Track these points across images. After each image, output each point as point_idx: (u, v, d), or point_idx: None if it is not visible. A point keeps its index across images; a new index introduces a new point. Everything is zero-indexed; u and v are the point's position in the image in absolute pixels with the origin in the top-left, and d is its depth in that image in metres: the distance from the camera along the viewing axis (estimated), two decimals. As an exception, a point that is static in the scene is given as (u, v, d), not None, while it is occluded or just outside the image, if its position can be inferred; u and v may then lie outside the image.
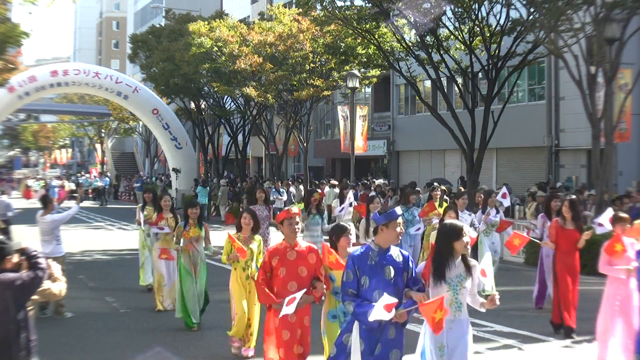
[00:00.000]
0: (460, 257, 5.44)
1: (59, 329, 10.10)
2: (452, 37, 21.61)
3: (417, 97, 24.92)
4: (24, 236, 10.72)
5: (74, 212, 11.55)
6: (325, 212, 12.68)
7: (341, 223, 6.98)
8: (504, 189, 13.51)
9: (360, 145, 29.63)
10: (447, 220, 5.96)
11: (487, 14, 20.23)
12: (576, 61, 16.15)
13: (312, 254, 6.51)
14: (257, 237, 8.58)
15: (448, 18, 21.48)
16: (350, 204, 13.00)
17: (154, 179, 48.40)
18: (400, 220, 5.52)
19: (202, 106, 39.64)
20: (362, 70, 26.56)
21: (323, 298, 6.58)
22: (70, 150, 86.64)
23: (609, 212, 8.83)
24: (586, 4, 16.04)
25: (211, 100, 38.04)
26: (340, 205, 13.45)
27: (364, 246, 5.63)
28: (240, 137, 38.64)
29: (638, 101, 21.74)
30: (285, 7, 30.05)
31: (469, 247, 5.48)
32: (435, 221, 11.55)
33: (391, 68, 24.38)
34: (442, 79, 22.08)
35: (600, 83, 16.51)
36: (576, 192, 18.05)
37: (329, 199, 22.10)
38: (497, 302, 5.37)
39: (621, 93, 19.10)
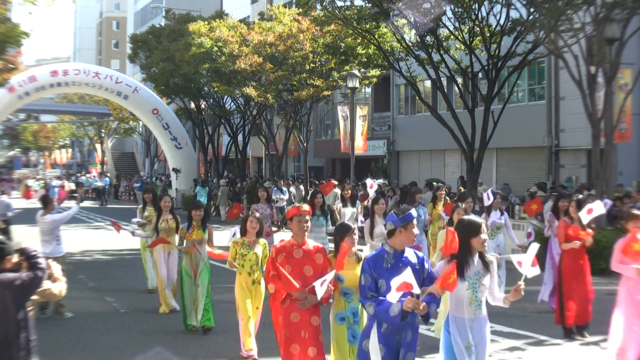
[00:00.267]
0: (477, 254, 5.42)
1: (59, 329, 10.09)
2: (452, 37, 21.62)
3: (417, 97, 24.92)
4: (24, 236, 10.72)
5: (74, 212, 11.53)
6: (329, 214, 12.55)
7: (345, 222, 6.85)
8: (488, 192, 12.77)
9: (360, 145, 29.63)
10: (466, 217, 5.86)
11: (487, 14, 20.23)
12: (576, 61, 16.15)
13: (320, 254, 6.36)
14: (262, 241, 8.43)
15: (448, 18, 21.48)
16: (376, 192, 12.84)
17: (154, 179, 48.41)
18: (416, 221, 5.46)
19: (202, 106, 39.64)
20: (362, 70, 26.55)
21: (331, 300, 6.41)
22: (70, 150, 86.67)
23: (592, 207, 8.85)
24: (586, 4, 16.04)
25: (211, 100, 38.04)
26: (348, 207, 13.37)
27: (377, 249, 5.54)
28: (240, 137, 38.64)
29: (638, 101, 21.74)
30: (285, 7, 30.05)
31: (486, 244, 5.46)
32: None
33: (391, 68, 24.38)
34: (442, 79, 22.08)
35: (600, 83, 16.51)
36: (575, 192, 18.06)
37: (328, 199, 22.07)
38: (522, 293, 5.31)
39: (621, 93, 19.09)
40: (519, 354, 8.72)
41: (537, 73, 26.50)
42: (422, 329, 9.83)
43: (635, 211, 8.23)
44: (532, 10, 18.23)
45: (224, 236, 9.88)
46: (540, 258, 5.40)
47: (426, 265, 5.44)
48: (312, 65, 27.78)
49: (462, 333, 5.35)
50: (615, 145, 18.06)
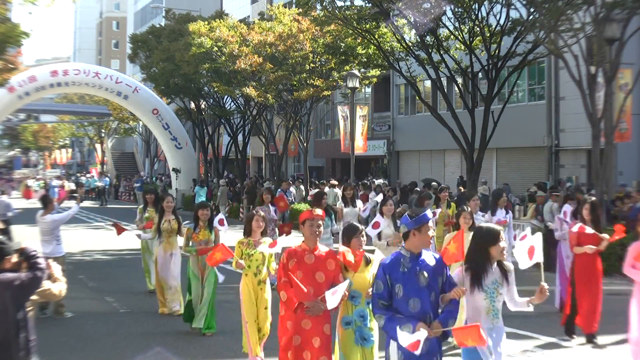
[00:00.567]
0: (495, 262, 5.27)
1: (59, 329, 10.09)
2: (452, 37, 21.61)
3: (417, 97, 24.92)
4: (24, 236, 10.71)
5: (74, 212, 11.54)
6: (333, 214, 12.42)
7: (353, 223, 6.67)
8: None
9: (360, 145, 29.63)
10: (484, 224, 5.68)
11: (487, 14, 20.23)
12: (576, 61, 16.15)
13: (331, 260, 6.16)
14: (268, 240, 8.12)
15: (448, 18, 21.48)
16: (377, 204, 12.65)
17: (154, 179, 48.41)
18: (431, 223, 5.27)
19: (202, 106, 39.64)
20: (362, 70, 26.55)
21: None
22: (70, 150, 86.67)
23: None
24: (586, 4, 16.04)
25: (211, 100, 38.04)
26: (360, 206, 13.21)
27: (394, 253, 5.38)
28: (240, 137, 38.64)
29: (638, 101, 21.75)
30: (285, 7, 30.04)
31: (505, 252, 5.30)
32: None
33: (391, 68, 24.38)
34: (442, 79, 22.08)
35: (600, 83, 16.51)
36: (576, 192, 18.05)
37: (329, 199, 22.07)
38: (547, 294, 5.23)
39: (621, 93, 19.10)
40: (530, 356, 8.61)
41: (537, 73, 26.50)
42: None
43: None
44: (532, 10, 18.23)
45: (225, 236, 9.80)
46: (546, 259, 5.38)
47: (445, 269, 5.26)
48: (312, 65, 27.78)
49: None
50: (615, 145, 18.08)
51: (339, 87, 29.74)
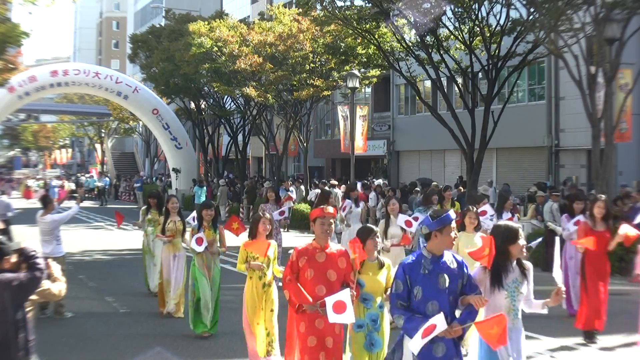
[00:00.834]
0: (515, 261, 5.19)
1: (59, 329, 10.09)
2: (452, 37, 21.62)
3: (417, 97, 24.92)
4: (24, 236, 10.71)
5: (74, 212, 11.53)
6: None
7: (368, 225, 6.56)
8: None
9: (360, 145, 29.62)
10: (502, 222, 5.57)
11: (487, 14, 20.23)
12: (576, 61, 16.14)
13: (343, 258, 6.09)
14: (273, 243, 7.98)
15: (448, 18, 21.48)
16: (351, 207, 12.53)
17: (154, 179, 48.41)
18: (454, 224, 5.15)
19: (202, 106, 39.64)
20: (362, 70, 26.55)
21: None
22: (70, 150, 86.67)
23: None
24: (586, 4, 16.03)
25: (211, 100, 38.04)
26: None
27: (414, 253, 5.25)
28: (240, 137, 38.64)
29: (638, 101, 21.75)
30: (285, 7, 30.04)
31: (524, 250, 5.21)
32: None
33: (391, 68, 24.38)
34: (442, 79, 22.08)
35: (600, 83, 16.49)
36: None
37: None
38: (563, 296, 5.15)
39: (621, 93, 19.09)
40: (536, 357, 8.51)
41: (537, 73, 26.50)
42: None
43: None
44: (532, 10, 18.23)
45: (229, 236, 9.72)
46: (543, 260, 5.33)
47: (465, 271, 5.13)
48: (312, 65, 27.78)
49: None
50: (615, 145, 18.06)
51: (339, 87, 29.73)
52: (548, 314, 5.44)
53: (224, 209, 29.59)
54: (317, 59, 27.86)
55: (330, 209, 6.26)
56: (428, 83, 29.63)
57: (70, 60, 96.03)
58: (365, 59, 25.08)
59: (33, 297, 4.89)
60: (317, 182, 29.75)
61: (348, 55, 25.29)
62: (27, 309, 4.90)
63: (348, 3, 21.93)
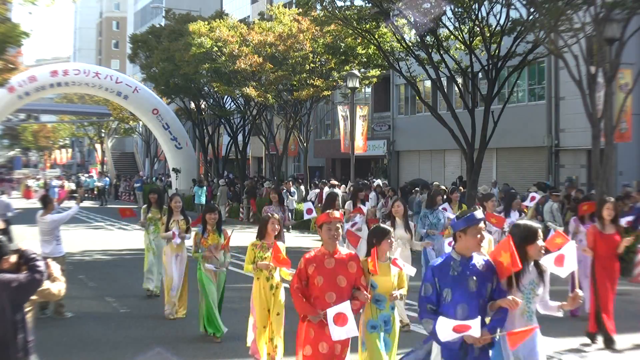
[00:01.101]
0: (533, 262, 5.05)
1: (59, 329, 10.09)
2: (452, 37, 21.62)
3: (417, 97, 24.92)
4: (24, 236, 10.71)
5: (73, 212, 11.52)
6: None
7: (382, 225, 6.43)
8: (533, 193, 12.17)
9: (360, 145, 29.63)
10: (521, 221, 5.37)
11: (487, 14, 20.23)
12: (576, 61, 16.13)
13: (353, 262, 5.93)
14: (281, 245, 7.70)
15: (448, 18, 21.48)
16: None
17: (154, 179, 48.41)
18: (482, 225, 4.96)
19: (202, 106, 39.64)
20: (362, 70, 26.56)
21: (361, 310, 6.09)
22: (70, 150, 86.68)
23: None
24: (586, 4, 16.03)
25: (211, 100, 38.04)
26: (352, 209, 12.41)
27: (444, 255, 5.14)
28: (240, 137, 38.64)
29: (638, 101, 21.75)
30: (285, 7, 30.05)
31: (543, 251, 5.07)
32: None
33: (391, 68, 24.38)
34: (442, 79, 22.07)
35: (600, 83, 16.49)
36: (577, 192, 18.05)
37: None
38: (580, 300, 5.03)
39: (621, 93, 19.09)
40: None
41: (537, 73, 26.50)
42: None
43: None
44: (532, 10, 18.22)
45: (234, 237, 9.66)
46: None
47: (494, 275, 4.98)
48: (312, 65, 27.78)
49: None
50: (615, 145, 18.05)
51: (339, 87, 29.74)
52: (550, 315, 5.35)
53: (224, 209, 29.58)
54: (317, 59, 27.86)
55: (337, 214, 6.12)
56: (428, 83, 29.63)
57: (70, 60, 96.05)
58: (365, 59, 25.08)
59: (33, 297, 4.90)
60: (317, 182, 29.75)
61: (348, 55, 25.29)
62: (26, 310, 4.90)
63: (348, 3, 21.93)
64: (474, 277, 4.87)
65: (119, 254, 18.93)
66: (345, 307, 5.53)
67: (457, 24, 21.18)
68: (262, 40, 28.41)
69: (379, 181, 27.78)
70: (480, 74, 21.60)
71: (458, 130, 20.74)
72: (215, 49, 29.58)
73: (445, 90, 23.37)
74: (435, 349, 5.01)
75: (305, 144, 30.99)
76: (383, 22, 21.71)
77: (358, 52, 24.78)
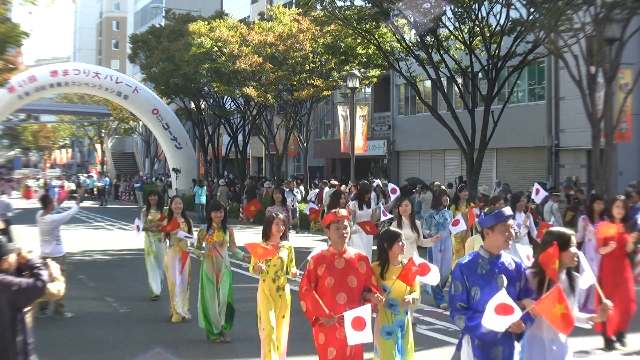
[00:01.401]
0: (565, 270, 4.94)
1: (59, 329, 10.10)
2: (452, 37, 21.62)
3: (417, 97, 24.93)
4: (24, 236, 10.71)
5: (73, 212, 11.52)
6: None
7: (393, 229, 6.28)
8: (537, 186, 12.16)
9: (360, 145, 29.63)
10: (554, 228, 5.27)
11: (487, 14, 20.24)
12: (576, 61, 16.13)
13: (362, 262, 5.85)
14: (287, 244, 7.59)
15: (448, 18, 21.48)
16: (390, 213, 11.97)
17: (154, 179, 48.41)
18: (510, 222, 4.88)
19: (202, 106, 39.64)
20: (362, 70, 26.55)
21: (374, 315, 5.91)
22: (70, 150, 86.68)
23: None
24: (586, 4, 16.02)
25: (211, 100, 38.04)
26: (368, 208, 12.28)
27: (472, 253, 5.03)
28: (240, 137, 38.64)
29: (638, 101, 21.75)
30: (285, 7, 30.05)
31: (575, 259, 4.95)
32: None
33: (391, 68, 24.38)
34: (442, 79, 22.08)
35: (600, 83, 16.49)
36: (576, 192, 18.06)
37: (328, 200, 22.03)
38: (611, 311, 4.85)
39: (621, 93, 19.09)
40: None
41: (537, 73, 26.50)
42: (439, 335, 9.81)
43: None
44: (532, 10, 18.22)
45: (237, 237, 9.59)
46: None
47: (523, 273, 4.90)
48: (312, 65, 27.78)
49: (538, 355, 4.84)
50: (615, 145, 18.04)
51: (339, 87, 29.74)
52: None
53: (224, 209, 29.54)
54: (317, 59, 27.86)
55: (343, 212, 6.04)
56: (428, 83, 29.63)
57: (70, 60, 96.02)
58: (365, 59, 25.08)
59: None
60: (317, 182, 29.75)
61: (348, 55, 25.29)
62: (26, 311, 4.90)
63: (348, 3, 21.93)
64: (503, 275, 4.82)
65: (119, 254, 18.93)
66: (365, 311, 5.39)
67: (457, 24, 21.18)
68: (262, 40, 28.41)
69: (379, 181, 27.78)
70: (480, 74, 21.61)
71: (458, 130, 20.74)
72: (215, 49, 29.57)
73: (445, 90, 23.38)
74: (467, 346, 4.88)
75: (305, 144, 30.99)
76: (383, 22, 21.72)
77: (358, 52, 24.78)
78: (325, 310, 5.65)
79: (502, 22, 20.14)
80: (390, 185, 14.21)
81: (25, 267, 4.86)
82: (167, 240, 10.81)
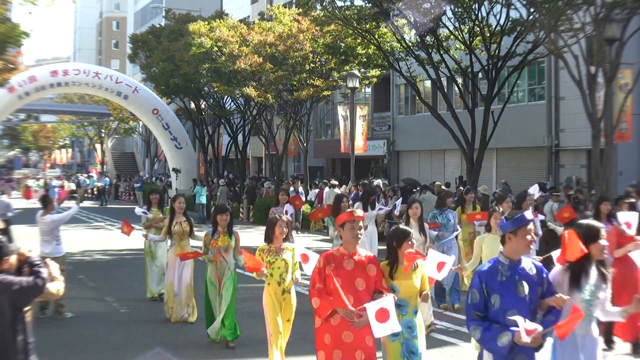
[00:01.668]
0: (595, 263, 4.88)
1: (59, 329, 10.09)
2: (452, 37, 21.62)
3: (417, 97, 24.92)
4: (24, 236, 10.71)
5: (73, 212, 11.51)
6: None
7: (402, 227, 6.18)
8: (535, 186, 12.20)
9: (360, 145, 29.63)
10: (583, 221, 5.20)
11: (487, 14, 20.23)
12: (576, 61, 16.13)
13: (372, 265, 5.68)
14: (290, 246, 7.50)
15: (448, 18, 21.48)
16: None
17: (154, 179, 48.41)
18: (531, 226, 4.73)
19: (202, 106, 39.63)
20: (362, 70, 26.55)
21: None
22: (70, 150, 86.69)
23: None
24: (586, 4, 16.02)
25: (211, 100, 38.03)
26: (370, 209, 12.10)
27: (492, 260, 4.89)
28: (240, 137, 38.63)
29: (638, 101, 21.74)
30: (285, 7, 30.04)
31: (606, 251, 4.93)
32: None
33: (391, 68, 24.38)
34: (442, 79, 22.08)
35: (600, 83, 16.48)
36: (576, 192, 18.05)
37: (328, 199, 22.08)
38: None
39: (621, 93, 19.08)
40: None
41: (537, 73, 26.49)
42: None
43: None
44: (532, 10, 18.22)
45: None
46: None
47: (545, 277, 4.80)
48: (312, 65, 27.78)
49: (570, 352, 4.81)
50: (615, 145, 18.04)
51: (339, 87, 29.73)
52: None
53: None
54: (317, 59, 27.86)
55: (359, 212, 5.86)
56: (428, 83, 29.62)
57: (70, 60, 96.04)
58: (365, 59, 25.08)
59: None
60: (317, 182, 29.74)
61: (348, 55, 25.29)
62: (26, 310, 4.90)
63: (348, 3, 21.93)
64: (524, 282, 4.68)
65: (119, 254, 18.92)
66: (388, 302, 5.27)
67: (457, 24, 21.17)
68: (262, 40, 28.40)
69: (379, 181, 27.78)
70: (480, 74, 21.60)
71: (458, 130, 20.74)
72: (215, 49, 29.57)
73: (445, 90, 23.37)
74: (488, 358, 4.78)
75: (305, 144, 30.99)
76: (383, 22, 21.71)
77: (358, 52, 24.78)
78: (345, 302, 5.49)
79: (502, 22, 20.14)
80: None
81: (24, 265, 4.85)
82: (169, 240, 10.71)
